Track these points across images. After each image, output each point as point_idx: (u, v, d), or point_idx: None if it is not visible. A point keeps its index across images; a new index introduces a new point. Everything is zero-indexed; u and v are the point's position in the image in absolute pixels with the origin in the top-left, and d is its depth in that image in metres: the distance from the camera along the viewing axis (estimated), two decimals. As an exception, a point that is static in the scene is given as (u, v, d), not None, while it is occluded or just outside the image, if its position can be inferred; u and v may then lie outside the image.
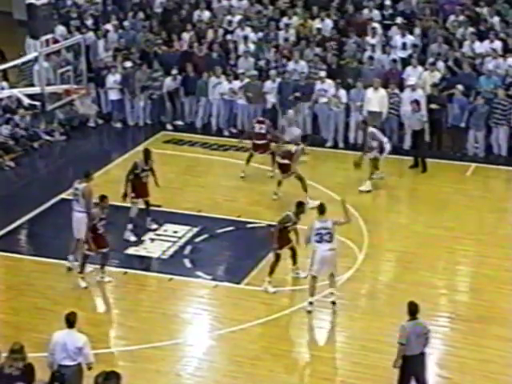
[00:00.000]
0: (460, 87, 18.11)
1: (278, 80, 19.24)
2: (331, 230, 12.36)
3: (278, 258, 13.11)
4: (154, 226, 14.98)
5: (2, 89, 18.57)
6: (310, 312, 12.52)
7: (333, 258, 12.47)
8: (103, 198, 13.09)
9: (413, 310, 10.15)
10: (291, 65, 19.66)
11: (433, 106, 18.28)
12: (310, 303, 12.56)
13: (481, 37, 19.80)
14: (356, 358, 11.55)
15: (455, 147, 18.46)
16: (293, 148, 16.00)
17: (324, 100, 18.78)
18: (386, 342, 11.82)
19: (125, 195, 14.43)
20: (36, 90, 15.73)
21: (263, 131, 16.89)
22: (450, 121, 18.45)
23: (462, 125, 18.17)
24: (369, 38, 20.10)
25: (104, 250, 13.14)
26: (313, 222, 12.52)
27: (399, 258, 14.39)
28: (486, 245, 14.60)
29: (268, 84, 19.26)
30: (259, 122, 17.14)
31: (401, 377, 10.28)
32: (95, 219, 12.88)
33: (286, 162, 15.90)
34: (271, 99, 19.25)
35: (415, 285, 13.30)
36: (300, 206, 13.06)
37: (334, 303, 12.61)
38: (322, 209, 12.60)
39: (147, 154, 14.78)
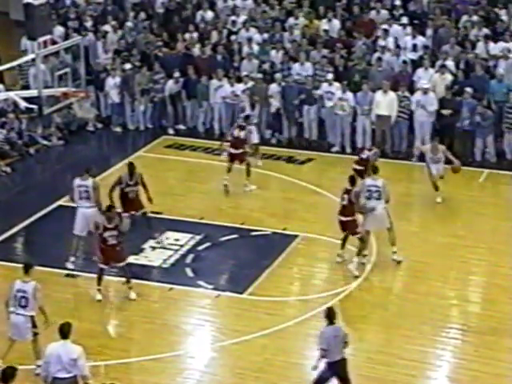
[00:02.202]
0: (469, 90, 18.14)
1: (283, 83, 19.31)
2: (381, 188, 13.82)
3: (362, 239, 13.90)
4: (160, 238, 14.92)
5: (-2, 91, 18.69)
6: (363, 264, 13.88)
7: (382, 214, 13.90)
8: (110, 207, 13.10)
9: (331, 315, 10.42)
10: (297, 67, 19.74)
11: (444, 112, 18.33)
12: (364, 256, 13.92)
13: (495, 38, 19.85)
14: (363, 371, 11.55)
15: (467, 153, 18.48)
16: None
17: (330, 104, 18.84)
18: (394, 354, 11.90)
19: (109, 208, 13.63)
20: (33, 92, 15.84)
21: (242, 137, 16.78)
22: (460, 125, 18.47)
23: (471, 128, 18.17)
24: (380, 40, 20.17)
25: (119, 264, 13.01)
26: (364, 180, 14.18)
27: (409, 267, 14.40)
28: (499, 254, 14.62)
29: (273, 87, 19.34)
30: (240, 127, 16.98)
31: (317, 380, 10.45)
32: (99, 228, 12.85)
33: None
34: (275, 103, 19.32)
35: (425, 295, 13.35)
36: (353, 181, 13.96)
37: (399, 262, 14.02)
38: (374, 169, 14.20)
39: (131, 168, 14.62)
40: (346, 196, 13.84)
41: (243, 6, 22.31)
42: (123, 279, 13.28)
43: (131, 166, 14.74)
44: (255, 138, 17.83)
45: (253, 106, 19.17)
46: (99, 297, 13.09)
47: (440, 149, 16.40)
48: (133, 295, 13.11)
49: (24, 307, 11.00)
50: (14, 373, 9.13)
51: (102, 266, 12.96)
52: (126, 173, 14.66)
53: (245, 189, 16.90)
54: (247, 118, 17.59)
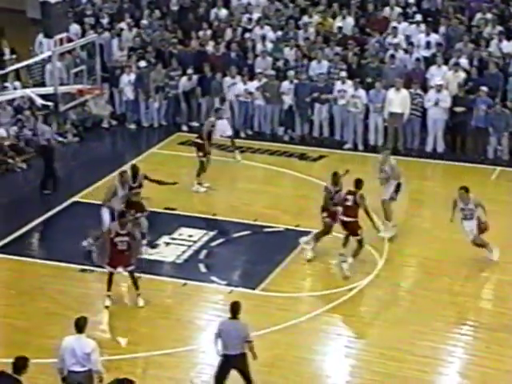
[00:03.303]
0: (484, 89, 18.13)
1: (296, 81, 19.35)
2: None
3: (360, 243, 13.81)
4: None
5: (15, 89, 18.82)
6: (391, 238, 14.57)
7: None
8: (123, 213, 13.07)
9: (234, 309, 10.46)
10: (314, 65, 19.75)
11: (457, 109, 18.33)
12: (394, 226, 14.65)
13: (509, 36, 19.80)
14: (375, 367, 11.60)
15: (479, 150, 18.47)
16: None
17: (343, 102, 18.87)
18: (405, 350, 11.93)
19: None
20: (49, 90, 15.95)
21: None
22: (473, 123, 18.46)
23: (485, 126, 18.17)
24: (390, 38, 20.17)
25: (127, 269, 12.86)
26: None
27: (421, 263, 14.43)
28: (510, 252, 14.60)
29: (285, 84, 19.38)
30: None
31: (218, 371, 10.50)
32: (111, 233, 12.80)
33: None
34: (288, 100, 19.37)
35: (437, 292, 13.37)
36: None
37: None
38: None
39: (135, 170, 14.51)
40: (350, 197, 13.80)
41: (257, 4, 22.37)
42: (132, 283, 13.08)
43: (134, 168, 14.63)
44: (228, 131, 17.96)
45: (223, 100, 19.18)
46: (108, 303, 12.83)
47: (471, 198, 14.11)
48: (141, 302, 12.94)
49: None
50: (26, 363, 9.17)
51: (110, 269, 12.79)
52: (130, 176, 14.48)
53: (192, 188, 16.69)
54: (217, 110, 17.70)
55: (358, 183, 13.87)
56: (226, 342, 10.34)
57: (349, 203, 13.81)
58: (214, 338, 10.48)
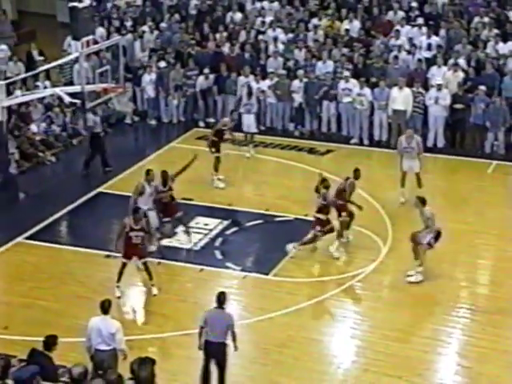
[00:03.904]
0: (483, 88, 18.02)
1: (305, 80, 19.28)
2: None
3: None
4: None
5: (45, 88, 18.87)
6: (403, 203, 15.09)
7: None
8: (136, 209, 12.89)
9: (220, 299, 10.27)
10: (320, 65, 19.70)
11: (457, 106, 18.24)
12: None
13: (505, 38, 19.69)
14: (378, 347, 11.61)
15: (476, 145, 18.39)
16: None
17: (348, 99, 18.80)
18: (407, 331, 11.94)
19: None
20: (76, 88, 15.98)
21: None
22: (472, 120, 18.35)
23: (483, 123, 18.05)
24: (394, 40, 20.08)
25: (140, 261, 12.75)
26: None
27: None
28: (505, 240, 14.56)
29: (295, 83, 19.33)
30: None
31: (204, 359, 10.33)
32: (126, 227, 12.63)
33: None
34: (298, 98, 19.32)
35: (437, 277, 13.33)
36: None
37: None
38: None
39: (164, 176, 14.02)
40: (343, 182, 14.15)
41: (270, 8, 22.31)
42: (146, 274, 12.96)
43: (164, 174, 14.07)
44: (253, 128, 17.91)
45: (250, 94, 18.51)
46: (118, 293, 12.70)
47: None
48: (155, 291, 12.86)
49: None
50: (56, 341, 9.23)
51: (124, 260, 12.72)
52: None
53: (213, 184, 16.47)
54: (232, 113, 17.71)
55: (356, 172, 14.14)
56: (209, 329, 10.17)
57: (341, 186, 14.09)
58: (198, 330, 10.27)
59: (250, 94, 18.49)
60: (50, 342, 9.23)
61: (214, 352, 10.26)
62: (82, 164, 17.41)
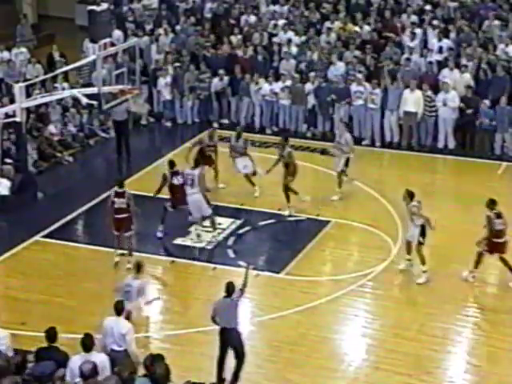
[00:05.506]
0: (487, 102, 17.83)
1: (317, 82, 19.19)
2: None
3: None
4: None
5: (63, 89, 18.88)
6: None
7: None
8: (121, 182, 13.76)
9: (228, 289, 10.37)
10: (331, 67, 19.60)
11: (467, 111, 18.07)
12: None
13: (515, 41, 19.54)
14: (389, 345, 11.53)
15: (486, 146, 18.22)
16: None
17: (360, 102, 18.69)
18: (418, 330, 11.85)
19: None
20: (93, 90, 15.97)
21: None
22: (478, 126, 18.12)
23: (489, 127, 17.93)
24: (407, 40, 19.94)
25: (127, 234, 13.41)
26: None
27: (432, 251, 14.20)
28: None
29: (309, 86, 19.24)
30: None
31: (220, 346, 10.47)
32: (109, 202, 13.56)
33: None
34: (311, 100, 19.24)
35: (447, 276, 13.24)
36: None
37: None
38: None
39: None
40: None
41: (281, 11, 22.22)
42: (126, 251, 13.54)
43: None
44: (246, 169, 16.32)
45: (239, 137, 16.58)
46: (117, 259, 13.48)
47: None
48: (129, 265, 12.99)
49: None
50: (56, 331, 9.21)
51: (115, 232, 13.39)
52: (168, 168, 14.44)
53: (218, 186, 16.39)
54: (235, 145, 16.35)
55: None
56: (220, 317, 10.35)
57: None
58: (212, 321, 10.47)
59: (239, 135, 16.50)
60: (52, 333, 9.21)
61: (228, 338, 10.36)
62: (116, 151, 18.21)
